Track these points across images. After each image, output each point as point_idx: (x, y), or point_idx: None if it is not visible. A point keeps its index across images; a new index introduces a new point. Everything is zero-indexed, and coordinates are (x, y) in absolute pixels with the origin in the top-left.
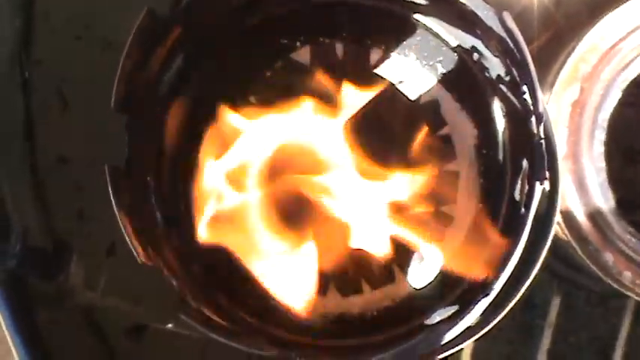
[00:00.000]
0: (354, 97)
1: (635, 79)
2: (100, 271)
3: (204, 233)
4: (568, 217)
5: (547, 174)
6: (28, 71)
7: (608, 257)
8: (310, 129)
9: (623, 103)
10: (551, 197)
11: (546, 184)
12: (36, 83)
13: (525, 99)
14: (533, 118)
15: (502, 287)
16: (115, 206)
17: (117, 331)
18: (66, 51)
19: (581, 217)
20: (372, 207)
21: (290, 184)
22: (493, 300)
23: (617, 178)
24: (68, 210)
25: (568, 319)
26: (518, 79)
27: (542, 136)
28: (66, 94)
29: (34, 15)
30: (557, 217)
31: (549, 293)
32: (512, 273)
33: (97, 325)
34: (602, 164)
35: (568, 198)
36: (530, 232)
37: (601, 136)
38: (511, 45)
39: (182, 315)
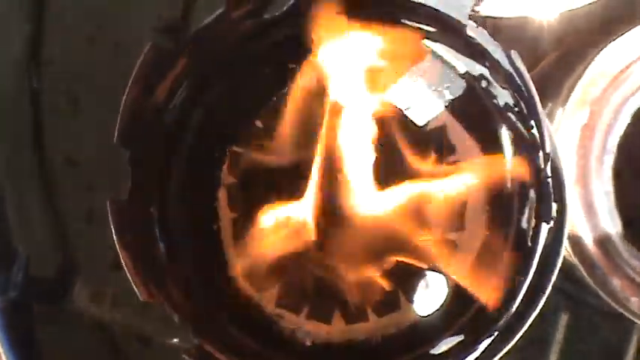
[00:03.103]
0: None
1: None
2: (107, 284)
3: None
4: (576, 242)
5: (554, 211)
6: (37, 74)
7: (616, 283)
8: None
9: (632, 128)
10: (558, 232)
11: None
12: (46, 85)
13: (533, 133)
14: (540, 154)
15: (509, 317)
16: (117, 243)
17: (127, 336)
18: (77, 53)
19: (589, 242)
20: (379, 231)
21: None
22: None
23: (626, 203)
24: (78, 215)
25: (577, 327)
26: (525, 112)
27: (549, 174)
28: (77, 95)
29: (45, 17)
30: (565, 243)
31: (558, 306)
32: (519, 303)
33: (107, 331)
34: (611, 189)
35: (576, 223)
36: (537, 264)
37: (610, 160)
38: (519, 82)
39: (183, 354)
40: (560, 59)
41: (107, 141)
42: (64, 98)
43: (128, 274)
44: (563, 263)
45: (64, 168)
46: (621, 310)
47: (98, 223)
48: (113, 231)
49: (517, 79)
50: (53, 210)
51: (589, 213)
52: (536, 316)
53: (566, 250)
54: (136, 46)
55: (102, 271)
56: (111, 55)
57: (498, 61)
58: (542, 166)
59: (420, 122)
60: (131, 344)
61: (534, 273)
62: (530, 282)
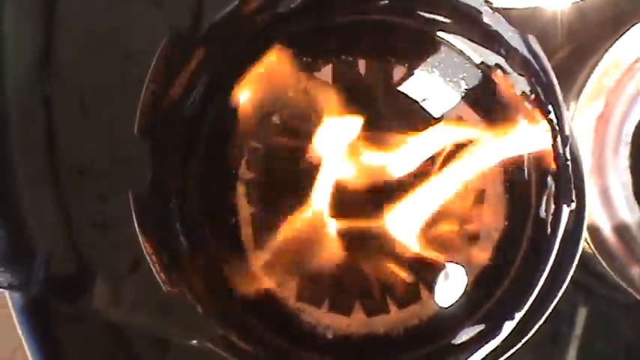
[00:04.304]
0: None
1: None
2: (125, 287)
3: None
4: (594, 232)
5: (574, 195)
6: (48, 81)
7: (635, 271)
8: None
9: None
10: (577, 217)
11: (573, 205)
12: (57, 92)
13: (551, 119)
14: (559, 139)
15: (529, 306)
16: (139, 234)
17: (143, 341)
18: (86, 62)
19: (607, 232)
20: (399, 225)
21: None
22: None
23: None
24: (91, 222)
25: (594, 325)
26: (543, 98)
27: (569, 157)
28: (87, 104)
29: (54, 26)
30: (585, 232)
31: (575, 302)
32: (539, 292)
33: (123, 335)
34: (628, 178)
35: (593, 212)
36: (556, 252)
37: (625, 150)
38: (536, 67)
39: (206, 342)
40: (573, 52)
41: (120, 144)
42: (75, 104)
43: (151, 264)
44: (581, 256)
45: (78, 172)
46: None
47: (116, 225)
48: (135, 222)
49: (534, 63)
50: (68, 214)
51: (606, 203)
52: (554, 311)
53: (584, 241)
54: (146, 53)
55: (120, 274)
56: (121, 62)
57: (515, 48)
58: (561, 151)
59: (436, 114)
60: (149, 347)
61: (555, 261)
62: (551, 269)
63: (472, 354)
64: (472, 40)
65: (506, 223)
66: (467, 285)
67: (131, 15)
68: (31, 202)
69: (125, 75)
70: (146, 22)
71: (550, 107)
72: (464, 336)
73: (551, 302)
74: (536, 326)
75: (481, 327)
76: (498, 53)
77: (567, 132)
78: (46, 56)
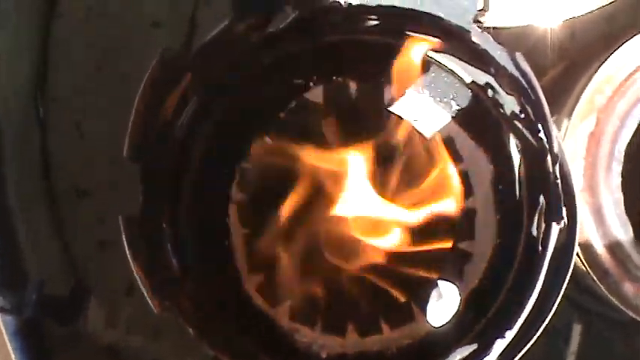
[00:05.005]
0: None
1: None
2: (120, 309)
3: None
4: (586, 249)
5: (564, 213)
6: (44, 106)
7: (628, 288)
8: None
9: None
10: (569, 235)
11: (564, 223)
12: (53, 117)
13: (541, 137)
14: (548, 157)
15: (522, 324)
16: (130, 258)
17: None
18: (83, 84)
19: (600, 249)
20: (391, 244)
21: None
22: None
23: (635, 209)
24: (88, 244)
25: (590, 343)
26: (532, 117)
27: (558, 175)
28: (84, 126)
29: (51, 49)
30: (576, 249)
31: (570, 319)
32: (530, 310)
33: (118, 358)
34: (620, 195)
35: (586, 230)
36: (548, 270)
37: (618, 167)
38: (525, 85)
39: None
40: (565, 70)
41: (116, 167)
42: (72, 127)
43: (142, 288)
44: (574, 273)
45: (73, 196)
46: (634, 316)
47: (112, 248)
48: (126, 245)
49: (523, 82)
50: (64, 237)
51: (599, 221)
52: (549, 328)
53: (577, 257)
54: (141, 76)
55: (116, 296)
56: (119, 84)
57: (504, 67)
58: (551, 169)
59: (427, 134)
60: None
61: (546, 279)
62: (543, 286)
63: None
64: (462, 60)
65: (499, 241)
66: (459, 304)
67: (129, 37)
68: (26, 225)
69: (122, 97)
70: (144, 44)
71: (539, 125)
72: (457, 356)
73: (544, 320)
74: (530, 344)
75: (474, 347)
76: (488, 72)
77: (556, 150)
78: (42, 78)
